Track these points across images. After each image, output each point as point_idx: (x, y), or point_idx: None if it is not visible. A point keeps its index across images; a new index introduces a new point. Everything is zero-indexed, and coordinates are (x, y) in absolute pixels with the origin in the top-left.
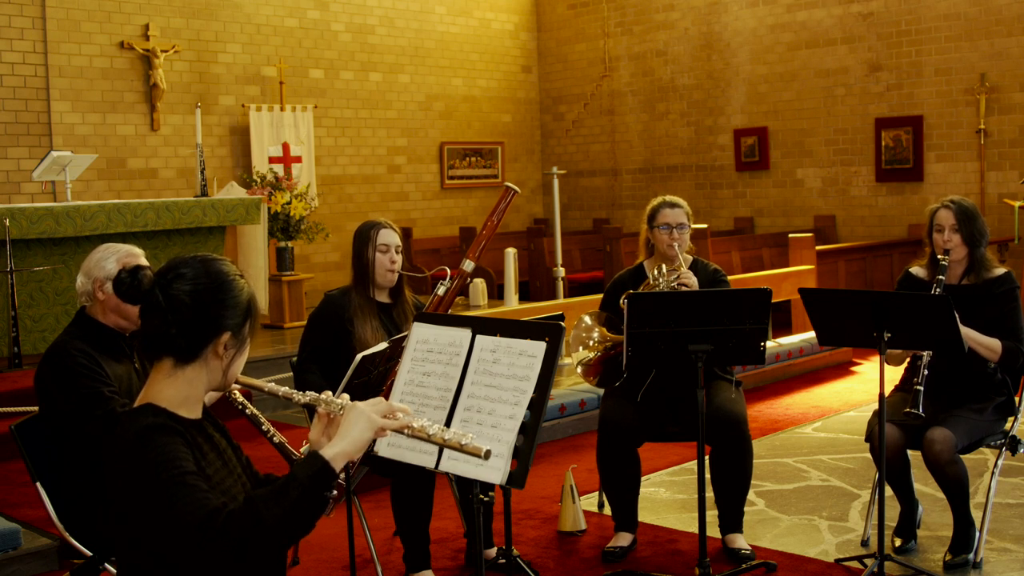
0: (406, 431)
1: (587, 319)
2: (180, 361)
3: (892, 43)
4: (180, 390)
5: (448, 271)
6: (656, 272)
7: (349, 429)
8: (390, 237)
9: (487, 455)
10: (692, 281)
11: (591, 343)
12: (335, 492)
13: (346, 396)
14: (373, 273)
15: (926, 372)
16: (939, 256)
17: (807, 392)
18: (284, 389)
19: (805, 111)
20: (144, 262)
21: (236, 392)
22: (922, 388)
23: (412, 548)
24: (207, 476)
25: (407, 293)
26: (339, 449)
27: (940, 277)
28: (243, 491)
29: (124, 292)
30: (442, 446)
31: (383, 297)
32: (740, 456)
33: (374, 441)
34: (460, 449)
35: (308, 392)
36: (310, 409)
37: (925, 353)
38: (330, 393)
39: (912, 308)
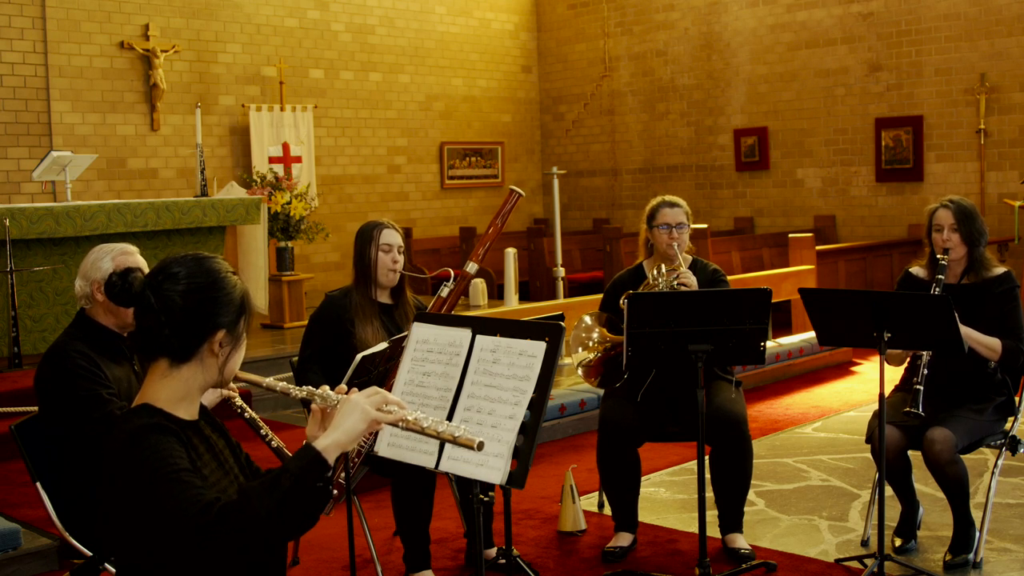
0: (400, 424)
1: (587, 319)
2: (175, 361)
3: (892, 43)
4: (176, 390)
5: (452, 272)
6: (656, 272)
7: (343, 420)
8: (392, 237)
9: (480, 446)
10: (691, 281)
11: (591, 343)
12: (335, 491)
13: (354, 391)
14: (375, 273)
15: (926, 372)
16: (938, 256)
17: (807, 392)
18: (281, 384)
19: (805, 111)
20: (139, 259)
21: (236, 397)
22: (922, 388)
23: (412, 548)
24: (203, 476)
25: (408, 294)
26: (332, 440)
27: (940, 277)
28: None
29: (115, 295)
30: (436, 438)
31: (384, 298)
32: (740, 456)
33: (374, 440)
34: (453, 441)
35: (304, 387)
36: (308, 404)
37: (925, 353)
38: (327, 388)
39: (912, 308)
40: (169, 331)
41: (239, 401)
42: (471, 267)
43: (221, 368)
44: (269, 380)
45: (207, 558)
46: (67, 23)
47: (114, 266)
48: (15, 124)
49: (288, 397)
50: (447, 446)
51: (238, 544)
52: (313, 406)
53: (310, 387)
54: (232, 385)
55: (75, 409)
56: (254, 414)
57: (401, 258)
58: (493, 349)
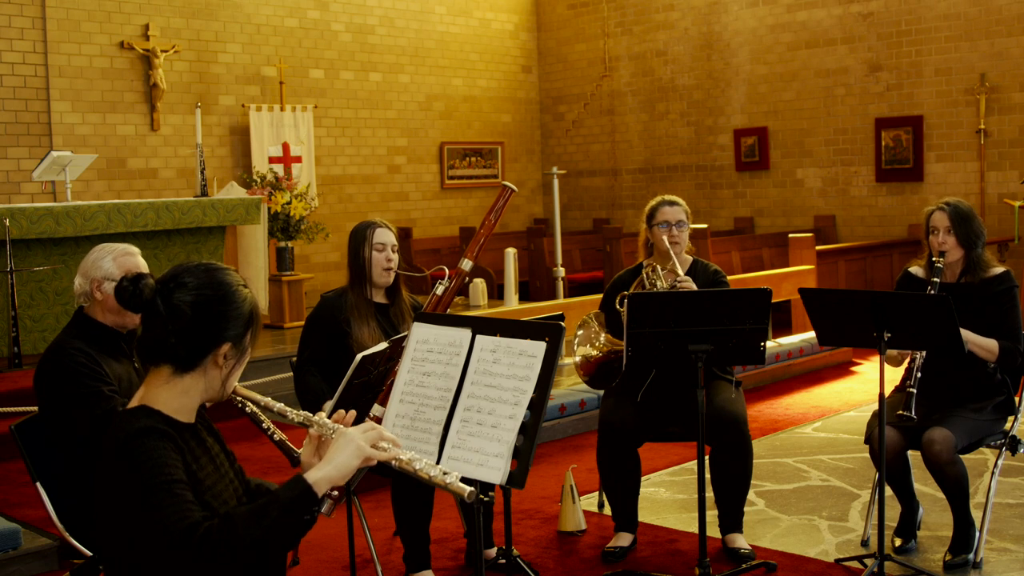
0: (393, 462)
1: (595, 324)
2: (179, 369)
3: (892, 43)
4: (176, 398)
5: (447, 271)
6: (651, 272)
7: (336, 454)
8: (386, 236)
9: (470, 496)
10: (689, 286)
11: (598, 343)
12: (336, 492)
13: (352, 415)
14: (370, 272)
15: (919, 375)
16: (934, 259)
17: (807, 392)
18: (279, 406)
19: (805, 111)
20: (140, 260)
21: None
22: (915, 391)
23: (412, 548)
24: (198, 480)
25: (404, 293)
26: (323, 474)
27: (935, 280)
28: (234, 496)
29: (126, 301)
30: (428, 482)
31: (380, 297)
32: (740, 456)
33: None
34: (445, 488)
35: (301, 412)
36: (306, 426)
37: (919, 355)
38: (323, 414)
39: (912, 308)
40: (176, 340)
41: (240, 394)
42: (466, 264)
43: (223, 381)
44: (267, 400)
45: (186, 572)
46: (67, 23)
47: (116, 266)
48: (15, 124)
49: (285, 418)
50: (447, 445)
51: (218, 567)
52: (310, 431)
53: (307, 413)
54: None
55: (77, 406)
56: (256, 408)
57: (395, 257)
58: (493, 349)
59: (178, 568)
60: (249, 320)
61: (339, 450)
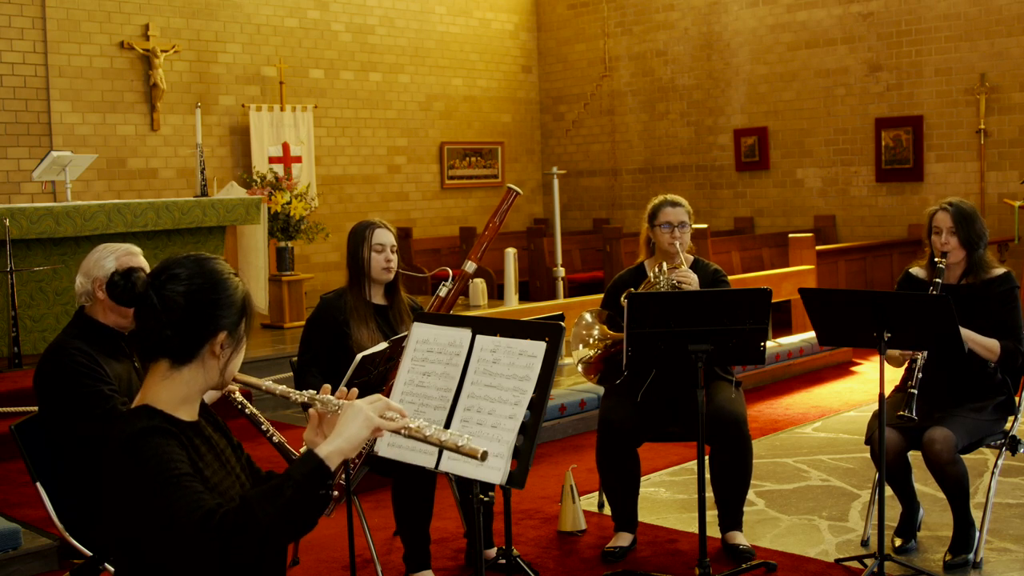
0: (403, 431)
1: (588, 316)
2: (176, 362)
3: (892, 43)
4: (177, 391)
5: (450, 272)
6: (657, 270)
7: (346, 426)
8: (385, 237)
9: (483, 456)
10: (691, 278)
11: (591, 340)
12: (336, 492)
13: (354, 391)
14: (369, 273)
15: (920, 375)
16: (936, 259)
17: (807, 392)
18: (281, 388)
19: (805, 111)
20: (142, 261)
21: (236, 392)
22: (916, 391)
23: (412, 548)
24: (204, 478)
25: (403, 294)
26: (335, 447)
27: (937, 280)
28: (240, 492)
29: (118, 295)
30: (439, 447)
31: (379, 298)
32: (740, 456)
33: (374, 440)
34: (457, 450)
35: (305, 391)
36: (308, 408)
37: (920, 355)
38: (328, 391)
39: (912, 308)
40: (171, 332)
41: (239, 397)
42: (469, 266)
43: (222, 370)
44: (268, 383)
45: (207, 563)
46: (67, 23)
47: (117, 266)
48: (15, 124)
49: (288, 401)
50: None
51: (239, 551)
52: (311, 411)
53: (311, 392)
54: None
55: (77, 406)
56: (255, 410)
57: (395, 257)
58: (493, 349)
59: (195, 563)
60: (243, 308)
61: (348, 421)
